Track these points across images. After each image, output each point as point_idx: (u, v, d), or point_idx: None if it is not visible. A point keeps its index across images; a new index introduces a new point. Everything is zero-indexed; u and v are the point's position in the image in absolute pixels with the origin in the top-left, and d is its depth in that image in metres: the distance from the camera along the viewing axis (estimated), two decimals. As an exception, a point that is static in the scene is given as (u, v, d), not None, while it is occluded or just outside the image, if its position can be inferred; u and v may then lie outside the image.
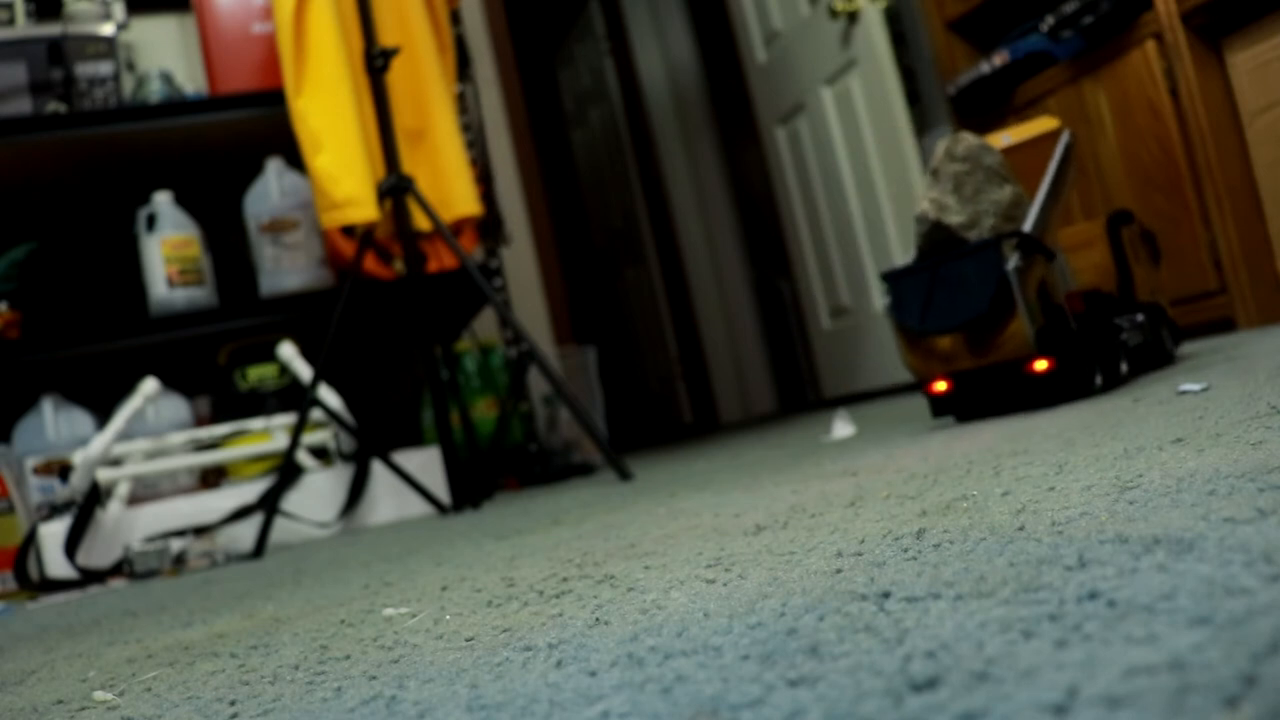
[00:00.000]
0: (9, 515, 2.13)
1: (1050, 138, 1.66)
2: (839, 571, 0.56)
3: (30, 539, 1.97)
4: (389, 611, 0.78)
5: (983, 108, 2.86)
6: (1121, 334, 1.52)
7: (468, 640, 0.60)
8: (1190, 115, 2.23)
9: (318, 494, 2.15)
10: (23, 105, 2.46)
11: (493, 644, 0.57)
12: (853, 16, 3.19)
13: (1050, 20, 2.53)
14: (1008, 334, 1.41)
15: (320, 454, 2.29)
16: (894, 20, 3.13)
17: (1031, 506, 0.62)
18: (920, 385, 1.55)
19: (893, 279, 1.52)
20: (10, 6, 2.56)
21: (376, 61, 2.12)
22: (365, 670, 0.57)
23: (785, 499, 0.98)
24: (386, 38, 2.34)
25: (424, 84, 2.49)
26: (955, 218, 1.48)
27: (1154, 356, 1.63)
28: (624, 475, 1.95)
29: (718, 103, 4.89)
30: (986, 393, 1.48)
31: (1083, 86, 2.50)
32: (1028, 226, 1.46)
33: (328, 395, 2.15)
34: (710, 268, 4.95)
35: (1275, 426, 0.71)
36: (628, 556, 0.81)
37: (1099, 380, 1.43)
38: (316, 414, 2.17)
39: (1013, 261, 1.41)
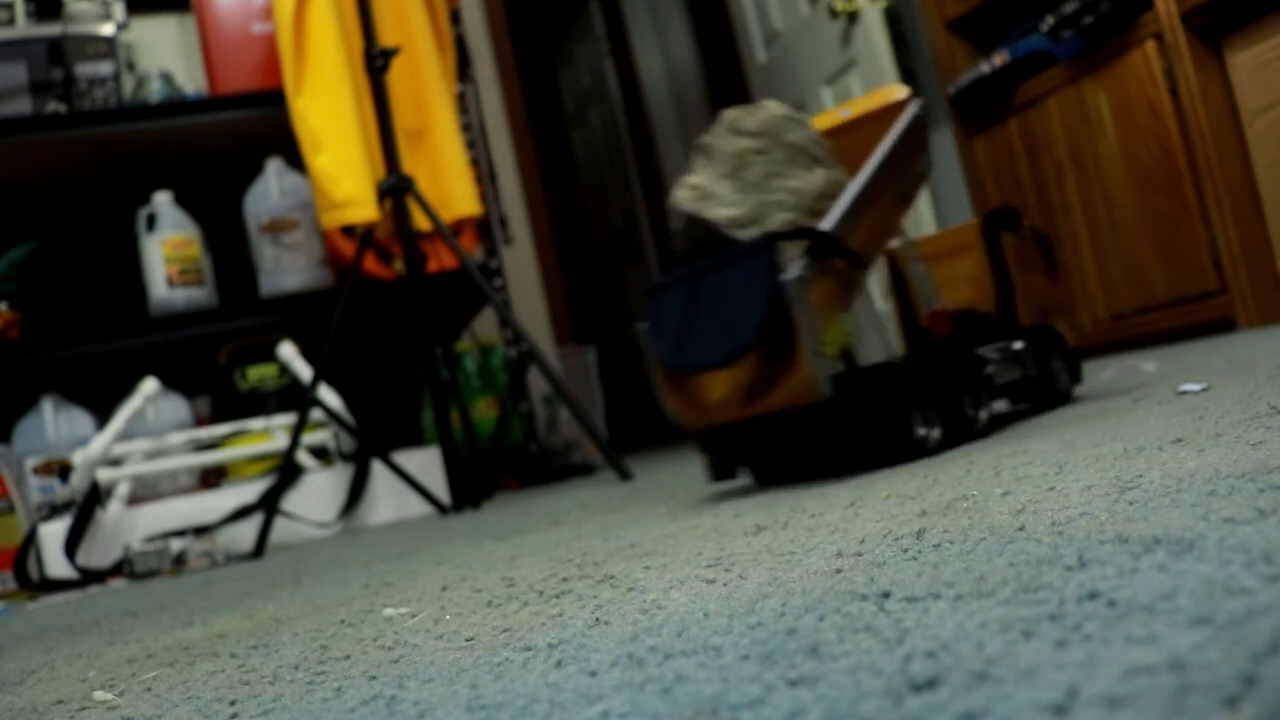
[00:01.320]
0: (9, 515, 2.13)
1: (895, 109, 1.26)
2: (839, 571, 0.56)
3: (30, 539, 1.97)
4: (389, 611, 0.78)
5: (983, 108, 2.86)
6: (987, 368, 1.17)
7: (468, 640, 0.60)
8: (1190, 115, 2.23)
9: (318, 494, 2.15)
10: (23, 105, 2.46)
11: (493, 644, 0.57)
12: (853, 16, 3.19)
13: (1050, 20, 2.53)
14: (788, 373, 1.03)
15: (320, 454, 2.29)
16: (894, 20, 3.13)
17: (1031, 506, 0.62)
18: (693, 436, 1.17)
19: (650, 294, 1.14)
20: (10, 6, 2.56)
21: (376, 61, 2.12)
22: (365, 670, 0.57)
23: (785, 499, 0.98)
24: (386, 38, 2.34)
25: (424, 84, 2.49)
26: (724, 210, 1.11)
27: (1041, 394, 1.26)
28: (624, 475, 1.95)
29: (718, 103, 4.89)
30: (773, 452, 1.12)
31: (1083, 86, 2.50)
32: (828, 222, 1.08)
33: (328, 395, 2.15)
34: (710, 268, 4.94)
35: (1275, 426, 0.71)
36: (628, 556, 0.81)
37: (935, 435, 1.08)
38: (316, 414, 2.17)
39: (795, 269, 1.03)
